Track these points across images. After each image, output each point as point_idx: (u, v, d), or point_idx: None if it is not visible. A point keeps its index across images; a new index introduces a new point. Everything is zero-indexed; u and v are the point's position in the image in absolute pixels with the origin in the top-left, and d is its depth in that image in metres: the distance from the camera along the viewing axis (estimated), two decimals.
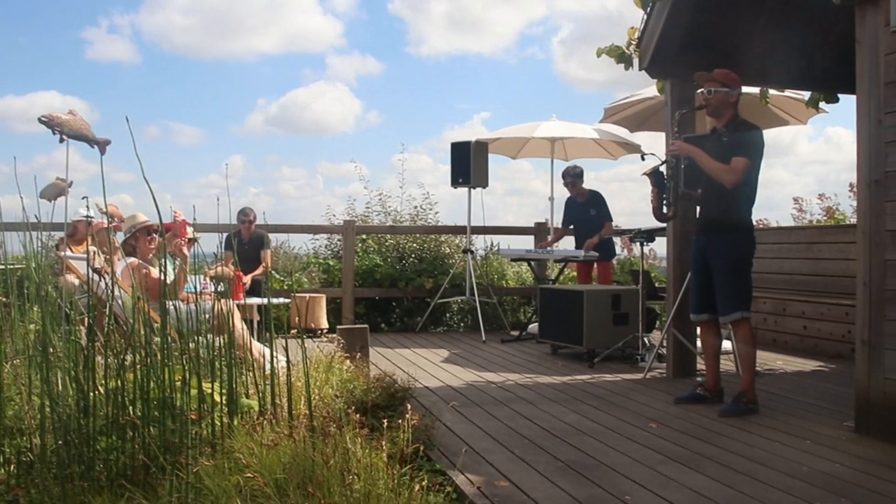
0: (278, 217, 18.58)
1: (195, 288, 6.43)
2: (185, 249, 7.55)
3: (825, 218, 16.48)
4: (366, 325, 7.84)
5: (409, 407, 4.99)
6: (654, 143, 18.57)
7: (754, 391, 6.77)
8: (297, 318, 11.32)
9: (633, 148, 13.22)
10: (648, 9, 8.17)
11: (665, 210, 7.13)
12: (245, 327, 6.51)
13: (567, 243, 12.47)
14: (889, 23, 5.60)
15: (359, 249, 13.80)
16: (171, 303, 4.90)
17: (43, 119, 6.29)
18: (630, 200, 38.66)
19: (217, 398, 4.67)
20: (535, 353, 10.38)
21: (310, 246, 15.74)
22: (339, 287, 13.17)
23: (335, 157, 68.44)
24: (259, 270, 11.48)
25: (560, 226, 12.63)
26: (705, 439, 5.86)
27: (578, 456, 5.40)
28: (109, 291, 4.80)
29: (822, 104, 10.03)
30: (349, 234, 13.16)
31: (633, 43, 8.60)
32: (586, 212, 11.98)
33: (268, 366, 4.98)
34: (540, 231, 13.70)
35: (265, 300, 5.53)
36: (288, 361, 4.94)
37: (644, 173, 7.18)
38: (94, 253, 6.48)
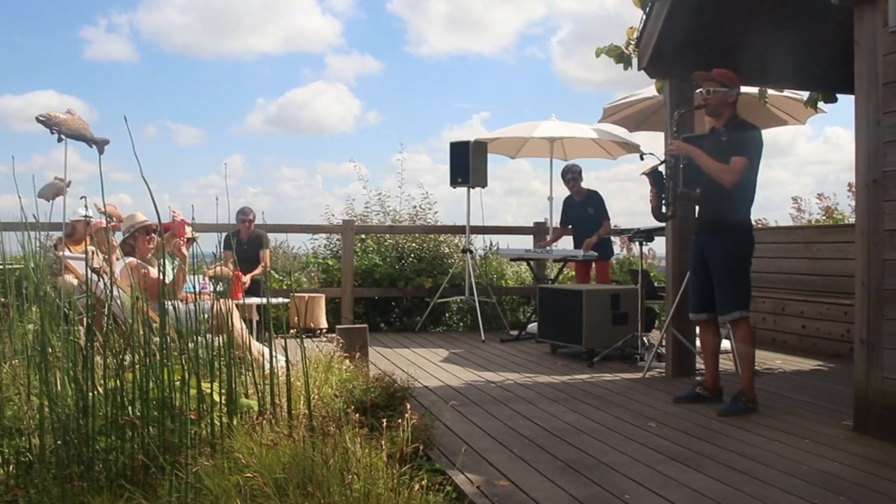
0: (277, 217, 18.58)
1: (194, 288, 6.43)
2: (183, 249, 7.55)
3: (824, 218, 16.48)
4: (365, 325, 7.84)
5: (408, 406, 4.99)
6: (653, 143, 18.65)
7: (753, 390, 6.77)
8: (296, 318, 11.32)
9: (632, 148, 13.22)
10: (647, 9, 8.17)
11: (664, 210, 7.13)
12: (244, 327, 6.52)
13: (565, 243, 12.47)
14: (887, 23, 5.60)
15: (358, 249, 13.80)
16: (169, 303, 4.90)
17: (41, 118, 6.30)
18: (629, 200, 38.72)
19: (216, 398, 4.67)
20: (534, 352, 10.39)
21: (309, 246, 15.78)
22: (339, 287, 13.17)
23: (334, 157, 68.46)
24: (258, 270, 11.48)
25: (558, 226, 12.62)
26: (705, 438, 5.86)
27: (578, 455, 5.40)
28: (108, 291, 4.80)
29: (820, 104, 10.04)
30: (348, 234, 13.15)
31: (632, 43, 8.60)
32: (584, 211, 11.97)
33: (267, 366, 4.99)
34: (539, 231, 13.70)
35: (264, 300, 5.53)
36: (287, 361, 4.94)
37: (643, 173, 7.18)
38: (93, 253, 6.48)
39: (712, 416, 6.54)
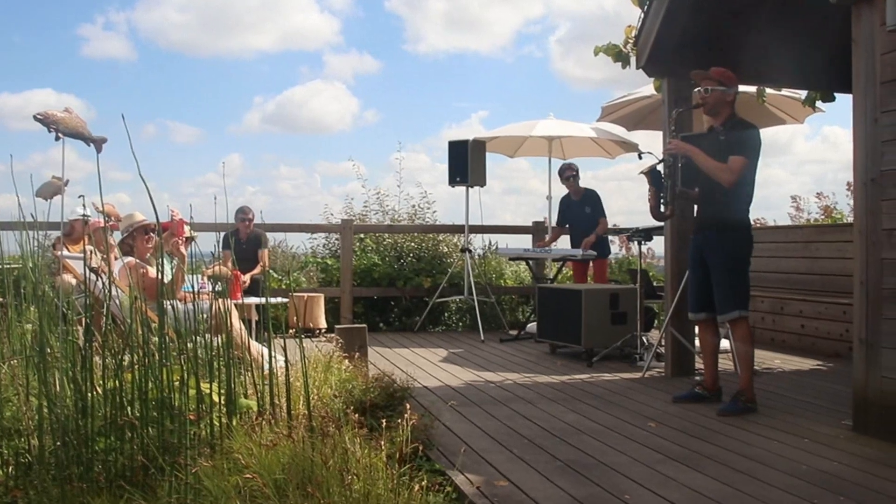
0: (276, 216, 18.61)
1: (193, 287, 6.42)
2: (182, 248, 7.54)
3: (823, 217, 16.47)
4: (364, 325, 7.84)
5: (407, 407, 4.98)
6: (652, 142, 18.64)
7: (752, 390, 6.77)
8: (295, 318, 11.32)
9: (630, 146, 13.23)
10: (645, 7, 8.17)
11: (662, 209, 7.12)
12: (243, 327, 6.51)
13: (564, 242, 12.46)
14: (885, 22, 5.60)
15: (357, 249, 13.79)
16: (168, 302, 4.89)
17: (39, 117, 6.30)
18: (627, 199, 38.74)
19: (216, 398, 4.67)
20: (533, 352, 10.39)
21: (308, 245, 15.75)
22: (338, 286, 13.17)
23: (333, 156, 68.51)
24: (257, 270, 11.48)
25: (555, 225, 12.61)
26: (704, 438, 5.86)
27: (577, 455, 5.40)
28: (107, 291, 4.80)
29: (818, 103, 10.04)
30: (347, 234, 13.15)
31: (631, 41, 8.61)
32: (581, 210, 11.97)
33: (266, 366, 4.98)
34: (538, 230, 13.69)
35: (263, 300, 5.52)
36: (286, 361, 4.94)
37: (641, 172, 7.18)
38: (91, 252, 6.47)
39: (711, 416, 6.54)
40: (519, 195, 39.27)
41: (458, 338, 12.19)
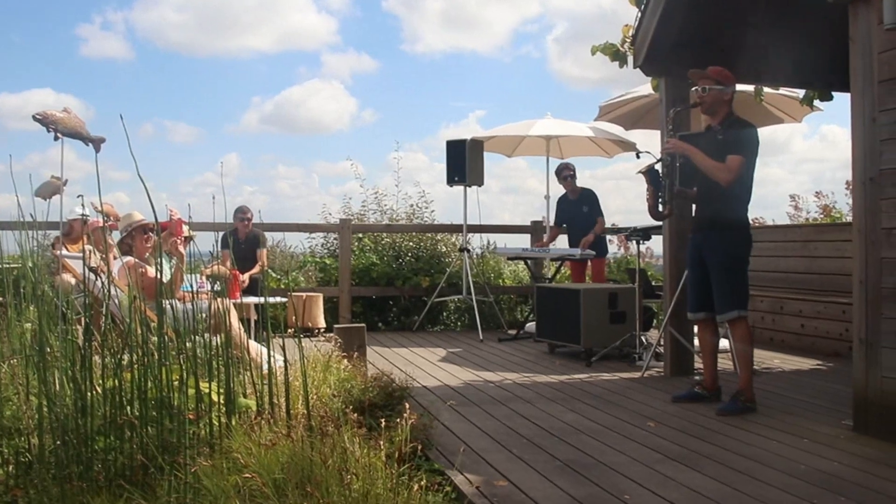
0: (274, 216, 18.64)
1: (191, 287, 6.42)
2: (181, 248, 7.54)
3: (822, 216, 16.47)
4: (363, 325, 7.84)
5: (406, 406, 4.97)
6: (649, 141, 18.63)
7: (752, 390, 6.77)
8: (294, 318, 11.31)
9: (628, 146, 13.22)
10: (642, 6, 8.17)
11: (661, 208, 7.12)
12: (242, 326, 6.51)
13: (562, 242, 12.45)
14: (882, 21, 5.60)
15: (355, 248, 13.79)
16: (167, 302, 4.89)
17: (37, 117, 6.29)
18: (625, 198, 38.73)
19: (215, 398, 4.67)
20: (532, 351, 10.39)
21: (306, 245, 15.75)
22: (336, 286, 13.16)
23: (331, 156, 68.47)
24: (255, 269, 11.48)
25: (553, 225, 12.60)
26: (703, 438, 5.86)
27: (577, 455, 5.40)
28: (106, 290, 4.80)
29: (816, 102, 10.04)
30: (345, 233, 13.15)
31: (628, 41, 8.60)
32: (579, 209, 11.97)
33: (265, 365, 4.98)
34: (536, 229, 13.69)
35: (262, 299, 5.52)
36: (285, 361, 4.94)
37: (639, 171, 7.18)
38: (90, 252, 6.47)
39: (711, 416, 6.54)
40: (517, 195, 39.27)
41: (456, 337, 12.18)
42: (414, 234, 14.11)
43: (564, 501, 4.48)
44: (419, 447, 4.87)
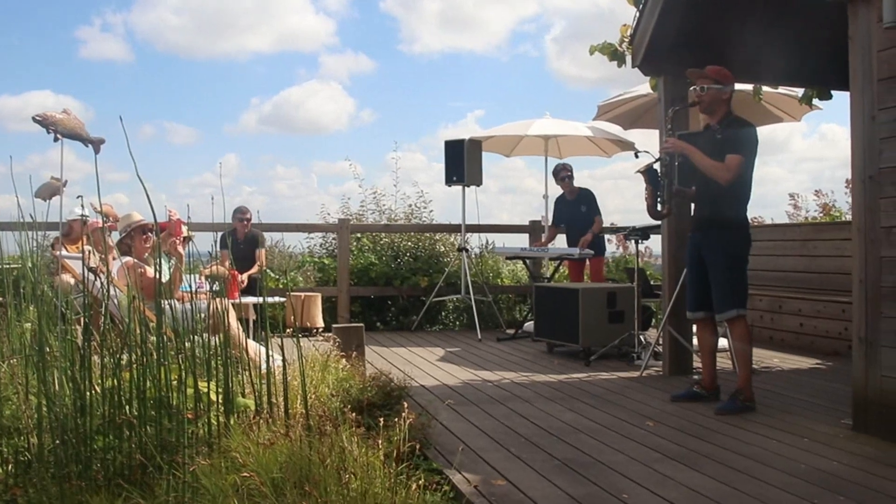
0: (273, 216, 18.63)
1: (190, 287, 6.43)
2: (180, 248, 7.53)
3: (821, 215, 16.46)
4: (361, 324, 7.83)
5: (405, 405, 4.97)
6: (648, 141, 18.62)
7: (751, 389, 6.76)
8: (292, 318, 11.30)
9: (626, 145, 13.22)
10: (641, 6, 8.17)
11: (659, 208, 7.12)
12: (240, 326, 6.50)
13: (560, 242, 12.45)
14: (881, 19, 5.59)
15: (353, 248, 13.79)
16: (166, 302, 4.89)
17: (37, 118, 6.29)
18: (624, 198, 38.66)
19: (213, 397, 4.67)
20: (530, 351, 10.39)
21: (305, 245, 15.74)
22: (335, 286, 13.16)
23: (329, 156, 68.54)
24: (254, 269, 11.48)
25: (551, 225, 12.61)
26: (702, 437, 5.86)
27: (575, 454, 5.40)
28: (105, 291, 4.80)
29: (815, 101, 10.03)
30: (344, 233, 13.15)
31: (626, 40, 8.60)
32: (577, 209, 11.99)
33: (264, 365, 4.98)
34: (534, 229, 13.68)
35: (261, 299, 5.52)
36: (284, 360, 4.94)
37: (638, 171, 7.18)
38: (90, 252, 6.47)
39: (710, 415, 6.54)
40: (515, 194, 39.27)
41: (455, 337, 12.18)
42: (412, 233, 14.11)
43: (563, 500, 4.48)
44: (417, 446, 4.88)
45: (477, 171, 12.63)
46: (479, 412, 6.71)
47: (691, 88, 7.08)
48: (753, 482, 4.76)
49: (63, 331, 4.62)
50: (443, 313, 13.61)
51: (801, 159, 43.65)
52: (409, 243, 13.97)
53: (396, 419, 4.74)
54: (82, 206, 7.22)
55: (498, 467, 5.08)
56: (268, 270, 13.26)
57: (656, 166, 7.10)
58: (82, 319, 4.75)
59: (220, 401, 4.70)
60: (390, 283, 13.32)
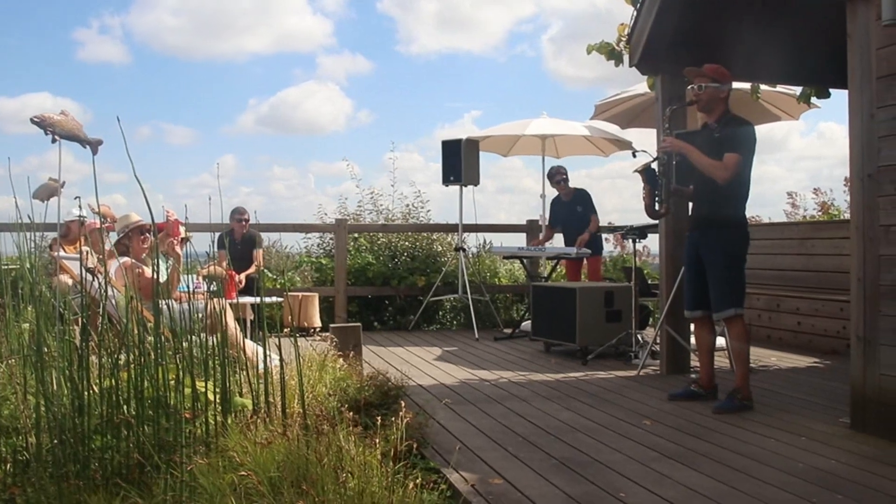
0: (270, 216, 18.63)
1: (188, 287, 6.42)
2: (177, 248, 7.53)
3: (820, 213, 16.46)
4: (358, 324, 7.82)
5: (402, 405, 4.97)
6: (646, 140, 18.58)
7: (748, 388, 6.76)
8: (289, 317, 11.30)
9: (624, 145, 13.21)
10: (638, 5, 8.17)
11: (657, 207, 7.13)
12: (238, 326, 6.50)
13: (557, 241, 12.45)
14: (880, 17, 5.60)
15: (351, 248, 13.79)
16: (163, 302, 4.89)
17: (35, 120, 6.30)
18: (622, 197, 38.68)
19: (211, 397, 4.66)
20: (528, 350, 10.39)
21: (302, 245, 15.74)
22: (332, 286, 13.16)
23: (326, 156, 68.52)
24: (251, 269, 11.48)
25: (548, 225, 12.61)
26: (699, 436, 5.87)
27: (572, 453, 5.40)
28: (103, 291, 4.80)
29: (813, 99, 10.05)
30: (341, 233, 13.15)
31: (623, 39, 8.61)
32: (573, 209, 12.00)
33: (261, 364, 4.98)
34: (532, 229, 13.68)
35: (258, 299, 5.53)
36: (281, 360, 4.94)
37: (636, 170, 7.18)
38: (88, 253, 6.47)
39: (707, 414, 6.54)
40: (513, 194, 39.31)
41: (452, 336, 12.19)
42: (410, 233, 14.12)
43: (560, 499, 4.48)
44: (415, 446, 4.87)
45: (474, 171, 12.64)
46: (476, 411, 6.71)
47: (689, 87, 7.08)
48: (751, 481, 4.76)
49: (61, 331, 4.61)
50: (440, 313, 13.61)
51: (800, 158, 43.64)
52: (407, 243, 13.98)
53: (394, 418, 4.74)
54: (80, 206, 7.24)
55: (495, 466, 5.08)
56: (265, 270, 13.27)
57: (654, 165, 7.10)
58: (80, 320, 4.75)
59: (218, 400, 4.69)
60: (387, 283, 13.32)
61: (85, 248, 6.32)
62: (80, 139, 6.48)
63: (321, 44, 66.03)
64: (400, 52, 62.13)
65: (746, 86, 10.02)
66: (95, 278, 5.18)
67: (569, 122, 13.05)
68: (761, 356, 9.50)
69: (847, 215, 8.92)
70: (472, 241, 14.35)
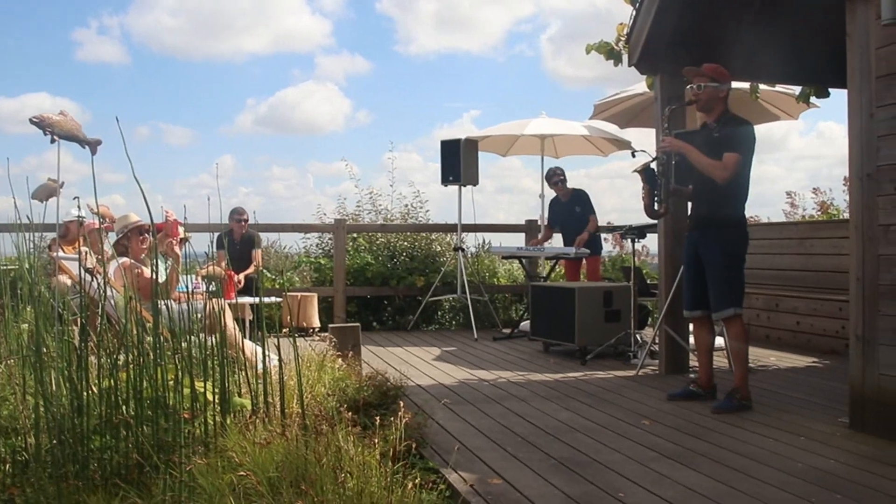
0: (269, 216, 18.62)
1: (187, 287, 6.42)
2: (177, 249, 7.53)
3: (819, 213, 16.46)
4: (357, 324, 7.82)
5: (401, 405, 4.96)
6: (645, 140, 18.58)
7: (747, 387, 6.76)
8: (288, 317, 11.30)
9: (623, 144, 13.21)
10: (637, 4, 8.17)
11: (656, 207, 7.13)
12: (237, 327, 6.50)
13: (556, 241, 12.45)
14: (880, 16, 5.60)
15: (350, 248, 13.79)
16: (162, 302, 4.89)
17: (34, 120, 6.28)
18: (621, 197, 38.69)
19: (210, 397, 4.66)
20: (526, 350, 10.39)
21: (301, 245, 15.73)
22: (331, 286, 13.16)
23: (325, 157, 68.59)
24: (250, 269, 11.47)
25: (546, 225, 12.61)
26: (698, 436, 5.86)
27: (571, 453, 5.40)
28: (102, 291, 4.79)
29: (813, 99, 10.04)
30: (340, 233, 13.15)
31: (623, 39, 8.61)
32: (571, 209, 11.99)
33: (260, 365, 4.98)
34: (531, 228, 13.68)
35: (257, 299, 5.53)
36: (280, 360, 4.94)
37: (635, 170, 7.18)
38: (86, 253, 6.47)
39: (706, 414, 6.54)
40: (512, 194, 39.32)
41: (451, 336, 12.19)
42: (408, 233, 14.12)
43: (559, 499, 4.48)
44: (413, 446, 4.87)
45: (473, 171, 12.64)
46: (475, 411, 6.71)
47: (688, 87, 7.08)
48: (750, 481, 4.76)
49: (60, 331, 4.62)
50: (439, 313, 13.61)
51: (799, 157, 43.68)
52: (406, 243, 13.97)
53: (393, 418, 4.73)
54: (79, 207, 7.24)
55: (494, 466, 5.08)
56: (264, 271, 13.27)
57: (653, 165, 7.10)
58: (79, 320, 4.75)
59: (217, 400, 4.69)
60: (386, 283, 13.32)
61: (84, 249, 6.32)
62: (79, 139, 6.46)
63: (320, 44, 66.15)
64: (399, 52, 62.24)
65: (745, 85, 10.01)
66: (94, 278, 5.18)
67: (568, 122, 13.04)
68: (760, 356, 9.50)
69: (846, 215, 8.92)
70: (470, 241, 14.37)
